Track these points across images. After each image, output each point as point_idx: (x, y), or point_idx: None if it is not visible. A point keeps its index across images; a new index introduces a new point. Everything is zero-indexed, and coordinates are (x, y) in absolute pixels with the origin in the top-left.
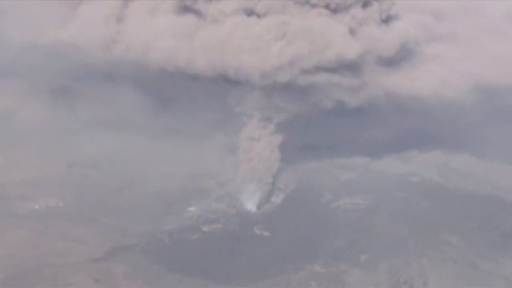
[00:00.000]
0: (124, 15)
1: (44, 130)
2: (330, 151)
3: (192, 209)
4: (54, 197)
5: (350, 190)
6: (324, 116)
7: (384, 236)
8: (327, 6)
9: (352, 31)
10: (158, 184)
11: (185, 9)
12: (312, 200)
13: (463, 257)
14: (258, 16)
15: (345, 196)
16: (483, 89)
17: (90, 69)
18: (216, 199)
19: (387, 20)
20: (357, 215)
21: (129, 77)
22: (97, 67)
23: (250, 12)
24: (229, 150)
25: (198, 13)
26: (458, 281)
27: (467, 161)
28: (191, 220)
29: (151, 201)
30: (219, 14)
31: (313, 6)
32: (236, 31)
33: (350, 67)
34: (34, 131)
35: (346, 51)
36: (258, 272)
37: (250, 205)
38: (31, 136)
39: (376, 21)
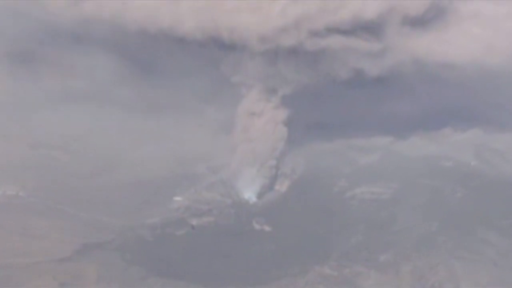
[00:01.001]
0: None
1: (1, 104)
2: (345, 129)
3: (178, 198)
4: (13, 184)
5: (369, 177)
6: (339, 87)
7: (408, 232)
8: None
9: None
10: (139, 169)
11: None
12: (323, 188)
13: (503, 258)
14: None
15: (362, 184)
16: None
17: (55, 30)
18: (207, 187)
19: None
20: (376, 207)
21: (102, 40)
22: (64, 28)
23: None
24: (224, 127)
25: None
26: (496, 287)
27: None
28: (177, 212)
29: (130, 189)
30: None
31: None
32: None
33: (369, 28)
34: None
35: (364, 10)
36: (257, 274)
37: (249, 194)
38: None
39: None
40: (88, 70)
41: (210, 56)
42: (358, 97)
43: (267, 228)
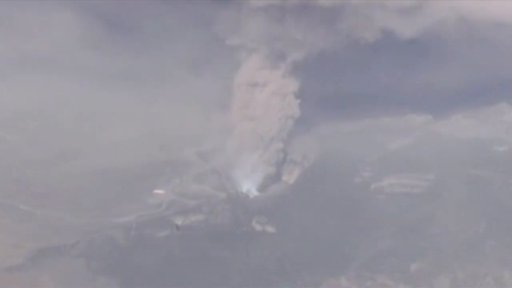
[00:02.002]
0: None
1: None
2: (371, 105)
3: (159, 192)
4: None
5: (400, 165)
6: (363, 52)
7: (448, 235)
8: None
9: None
10: (109, 155)
11: None
12: (342, 180)
13: None
14: None
15: (392, 173)
16: None
17: None
18: (197, 177)
19: None
20: (408, 203)
21: None
22: None
23: None
24: (217, 102)
25: None
26: None
27: None
28: (158, 209)
29: (98, 180)
30: None
31: None
32: None
33: None
34: None
35: None
36: (257, 285)
37: (249, 187)
38: None
39: None
40: (45, 30)
41: (200, 11)
42: (387, 64)
43: (270, 229)
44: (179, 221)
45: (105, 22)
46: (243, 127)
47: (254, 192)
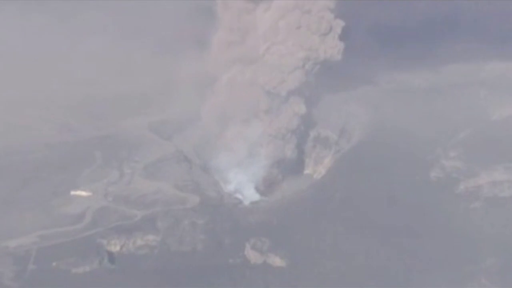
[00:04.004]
0: None
1: None
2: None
3: (81, 193)
4: None
5: (490, 151)
6: None
7: None
8: None
9: None
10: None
11: None
12: (407, 172)
13: None
14: None
15: (497, 163)
16: None
17: None
18: (149, 167)
19: None
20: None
21: None
22: None
23: None
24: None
25: None
26: None
27: None
28: (76, 225)
29: None
30: None
31: None
32: None
33: None
34: None
35: None
36: None
37: (243, 186)
38: None
39: None
40: None
41: None
42: None
43: (277, 261)
44: (114, 246)
45: None
46: (235, 99)
47: (252, 196)
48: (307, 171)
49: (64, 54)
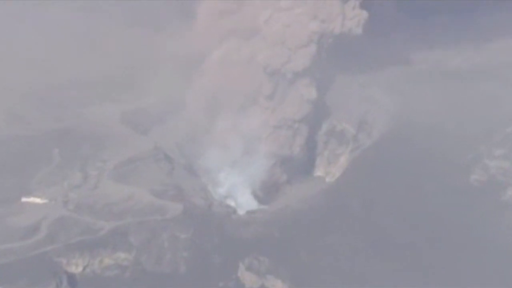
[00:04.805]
0: None
1: None
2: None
3: (34, 200)
4: None
5: None
6: None
7: None
8: None
9: None
10: None
11: None
12: (440, 174)
13: None
14: None
15: None
16: None
17: None
18: (120, 166)
19: None
20: None
21: None
22: None
23: None
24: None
25: None
26: None
27: None
28: (27, 241)
29: None
30: None
31: None
32: None
33: None
34: None
35: None
36: None
37: (238, 197)
38: None
39: None
40: None
41: None
42: None
43: (278, 285)
44: (75, 266)
45: None
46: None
47: (248, 204)
48: (317, 172)
49: (13, 29)
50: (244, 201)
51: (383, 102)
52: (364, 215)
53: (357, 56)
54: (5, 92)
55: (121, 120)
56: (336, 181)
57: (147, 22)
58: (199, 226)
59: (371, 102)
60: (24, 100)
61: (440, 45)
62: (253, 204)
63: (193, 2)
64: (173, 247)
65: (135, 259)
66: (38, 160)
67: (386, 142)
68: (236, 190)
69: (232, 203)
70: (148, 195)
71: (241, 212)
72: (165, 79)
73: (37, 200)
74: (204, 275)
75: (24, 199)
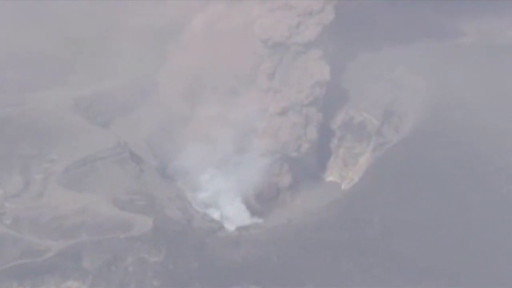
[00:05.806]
0: None
1: None
2: None
3: None
4: None
5: None
6: None
7: None
8: None
9: None
10: None
11: None
12: (472, 179)
13: None
14: None
15: None
16: None
17: None
18: (68, 171)
19: None
20: None
21: None
22: None
23: None
24: None
25: None
26: None
27: None
28: None
29: None
30: None
31: None
32: None
33: None
34: None
35: None
36: None
37: (226, 207)
38: None
39: None
40: None
41: None
42: None
43: None
44: None
45: None
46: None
47: (238, 217)
48: (330, 177)
49: None
50: (232, 213)
51: (415, 86)
52: (387, 233)
53: (382, 25)
54: None
55: (75, 109)
56: (353, 188)
57: None
58: (174, 246)
59: (400, 86)
60: None
61: (492, 12)
62: (244, 217)
63: None
64: (140, 274)
65: None
66: None
67: (418, 138)
68: (223, 198)
69: (216, 215)
70: (109, 206)
71: (229, 228)
72: (131, 55)
73: None
74: None
75: None
